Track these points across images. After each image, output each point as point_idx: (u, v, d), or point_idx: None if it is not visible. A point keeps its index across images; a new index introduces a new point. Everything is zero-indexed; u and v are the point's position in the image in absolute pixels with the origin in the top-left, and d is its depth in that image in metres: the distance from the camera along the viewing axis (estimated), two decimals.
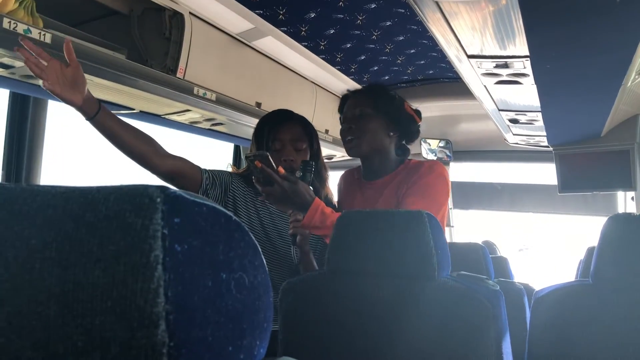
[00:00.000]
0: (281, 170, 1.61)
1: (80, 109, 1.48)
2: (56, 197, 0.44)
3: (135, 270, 0.39)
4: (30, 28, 1.48)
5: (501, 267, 3.11)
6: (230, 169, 1.98)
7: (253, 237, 0.50)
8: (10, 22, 1.43)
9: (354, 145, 1.82)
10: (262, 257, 0.50)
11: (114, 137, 1.56)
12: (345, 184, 2.03)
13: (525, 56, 1.65)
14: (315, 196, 1.64)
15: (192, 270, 0.42)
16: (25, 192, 0.46)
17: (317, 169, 1.85)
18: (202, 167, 1.81)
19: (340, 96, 3.15)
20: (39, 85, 1.74)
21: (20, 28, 1.46)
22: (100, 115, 1.51)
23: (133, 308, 0.39)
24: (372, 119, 1.81)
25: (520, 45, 1.58)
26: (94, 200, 0.43)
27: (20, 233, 0.44)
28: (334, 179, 2.18)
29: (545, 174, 3.64)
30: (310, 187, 1.66)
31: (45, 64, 1.41)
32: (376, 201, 1.80)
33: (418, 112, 1.91)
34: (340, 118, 1.98)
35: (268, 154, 1.61)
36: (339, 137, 2.31)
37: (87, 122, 1.53)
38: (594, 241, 1.32)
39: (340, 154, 3.50)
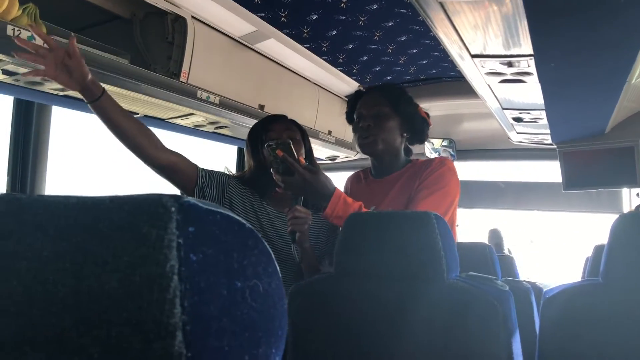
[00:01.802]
0: (302, 160, 1.61)
1: (80, 92, 1.50)
2: (68, 207, 0.44)
3: (151, 280, 0.39)
4: (34, 35, 1.48)
5: (507, 266, 3.10)
6: (226, 172, 1.98)
7: (266, 244, 0.49)
8: (14, 29, 1.43)
9: (370, 143, 1.84)
10: (276, 263, 0.50)
11: (113, 124, 1.56)
12: (352, 184, 2.05)
13: (530, 55, 1.64)
14: (336, 187, 1.64)
15: (208, 279, 0.41)
16: (36, 203, 0.46)
17: None
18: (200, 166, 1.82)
19: (344, 97, 3.17)
20: (44, 92, 1.75)
21: (24, 34, 1.46)
22: (102, 101, 1.52)
23: (149, 319, 0.39)
24: (389, 119, 1.84)
25: (524, 45, 1.58)
26: (107, 210, 0.43)
27: (32, 244, 0.44)
28: (337, 180, 2.18)
29: (550, 171, 3.63)
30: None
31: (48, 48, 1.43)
32: (384, 197, 1.82)
33: (428, 115, 1.95)
34: (348, 112, 1.99)
35: (290, 142, 1.61)
36: (342, 138, 2.29)
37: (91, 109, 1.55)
38: (599, 238, 1.31)
39: (343, 154, 3.50)
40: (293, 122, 1.98)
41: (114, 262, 0.40)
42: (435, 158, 1.85)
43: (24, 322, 0.43)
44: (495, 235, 4.78)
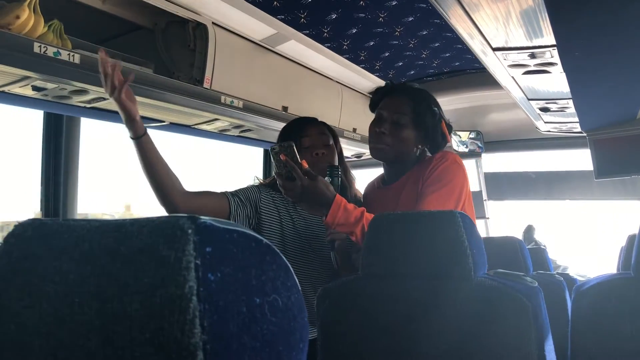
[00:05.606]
0: (305, 164, 1.55)
1: (134, 122, 1.51)
2: (91, 231, 0.46)
3: (171, 302, 0.40)
4: (60, 50, 1.52)
5: (539, 258, 3.04)
6: (257, 182, 1.97)
7: (284, 258, 0.50)
8: (40, 46, 1.46)
9: (381, 149, 1.75)
10: (295, 276, 0.51)
11: (149, 163, 1.57)
12: (368, 194, 1.97)
13: (552, 45, 1.61)
14: (336, 193, 1.58)
15: (226, 298, 0.42)
16: (62, 228, 0.47)
17: (342, 170, 1.85)
18: (230, 192, 1.80)
19: (367, 94, 3.17)
20: (72, 105, 1.79)
21: (50, 51, 1.49)
22: (144, 139, 1.55)
23: (171, 339, 0.40)
24: (407, 129, 1.72)
25: (546, 35, 1.55)
26: (127, 233, 0.44)
27: (59, 268, 0.46)
28: (362, 177, 2.16)
29: (581, 159, 3.56)
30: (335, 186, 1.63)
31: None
32: (395, 205, 1.74)
33: (450, 128, 1.82)
34: (374, 102, 1.86)
35: (293, 144, 1.55)
36: (367, 135, 2.25)
37: (131, 141, 1.56)
38: (633, 225, 1.28)
39: (369, 151, 3.49)
40: (326, 125, 1.94)
41: (135, 284, 0.42)
42: (435, 155, 1.74)
43: (55, 343, 0.45)
44: (529, 232, 4.76)
